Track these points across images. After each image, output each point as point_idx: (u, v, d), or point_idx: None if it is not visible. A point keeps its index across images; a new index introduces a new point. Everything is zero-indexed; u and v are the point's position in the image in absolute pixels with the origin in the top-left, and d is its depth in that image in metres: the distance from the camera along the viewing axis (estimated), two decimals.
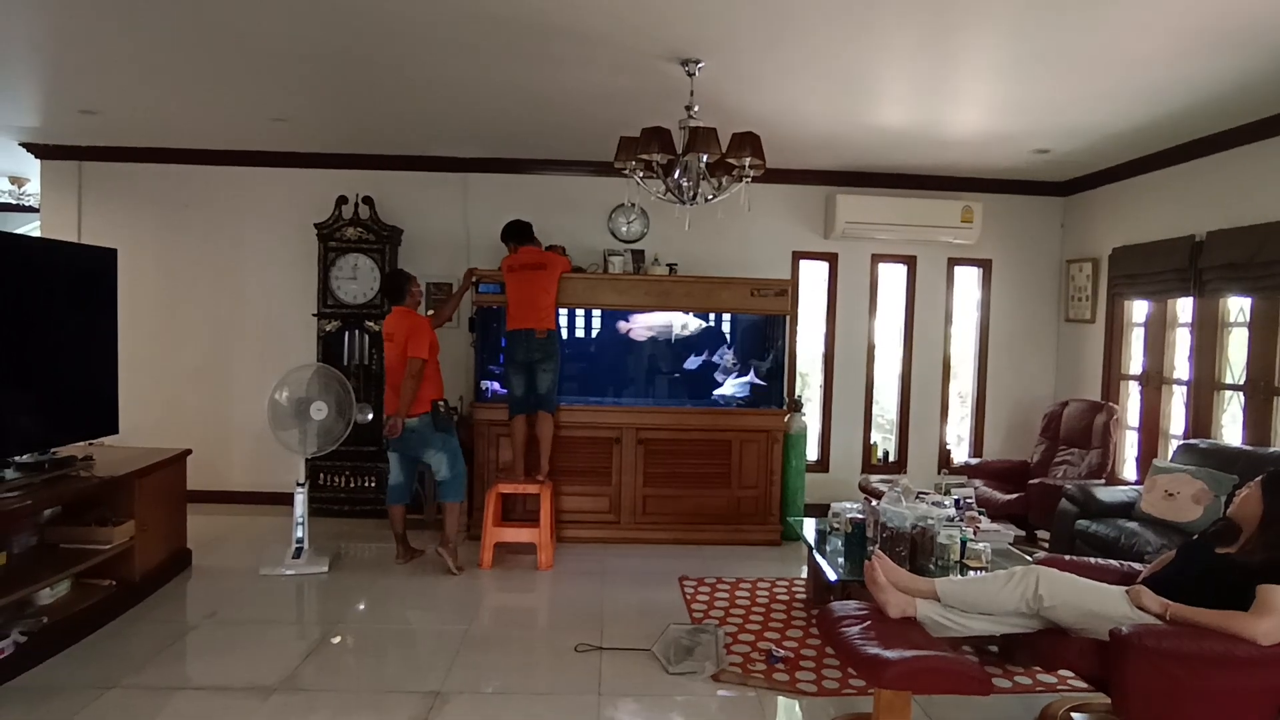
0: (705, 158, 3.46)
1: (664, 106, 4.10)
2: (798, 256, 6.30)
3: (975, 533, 3.90)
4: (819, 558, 3.75)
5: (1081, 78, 3.94)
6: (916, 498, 4.07)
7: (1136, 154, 5.28)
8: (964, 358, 6.57)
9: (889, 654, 2.52)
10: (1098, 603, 2.67)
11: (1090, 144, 5.13)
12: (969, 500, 4.28)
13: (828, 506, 6.13)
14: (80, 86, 4.54)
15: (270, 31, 3.59)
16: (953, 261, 6.39)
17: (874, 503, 4.01)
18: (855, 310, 6.34)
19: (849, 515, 3.97)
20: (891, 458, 6.48)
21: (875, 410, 6.51)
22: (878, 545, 3.79)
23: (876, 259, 6.34)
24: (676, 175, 3.71)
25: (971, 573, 3.55)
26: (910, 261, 6.36)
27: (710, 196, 3.71)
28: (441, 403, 4.72)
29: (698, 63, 3.71)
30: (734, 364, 5.86)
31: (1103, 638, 2.63)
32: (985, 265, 6.40)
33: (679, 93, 3.98)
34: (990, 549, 3.70)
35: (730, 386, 5.79)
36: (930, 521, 3.74)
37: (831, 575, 3.57)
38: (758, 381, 5.71)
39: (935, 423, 6.45)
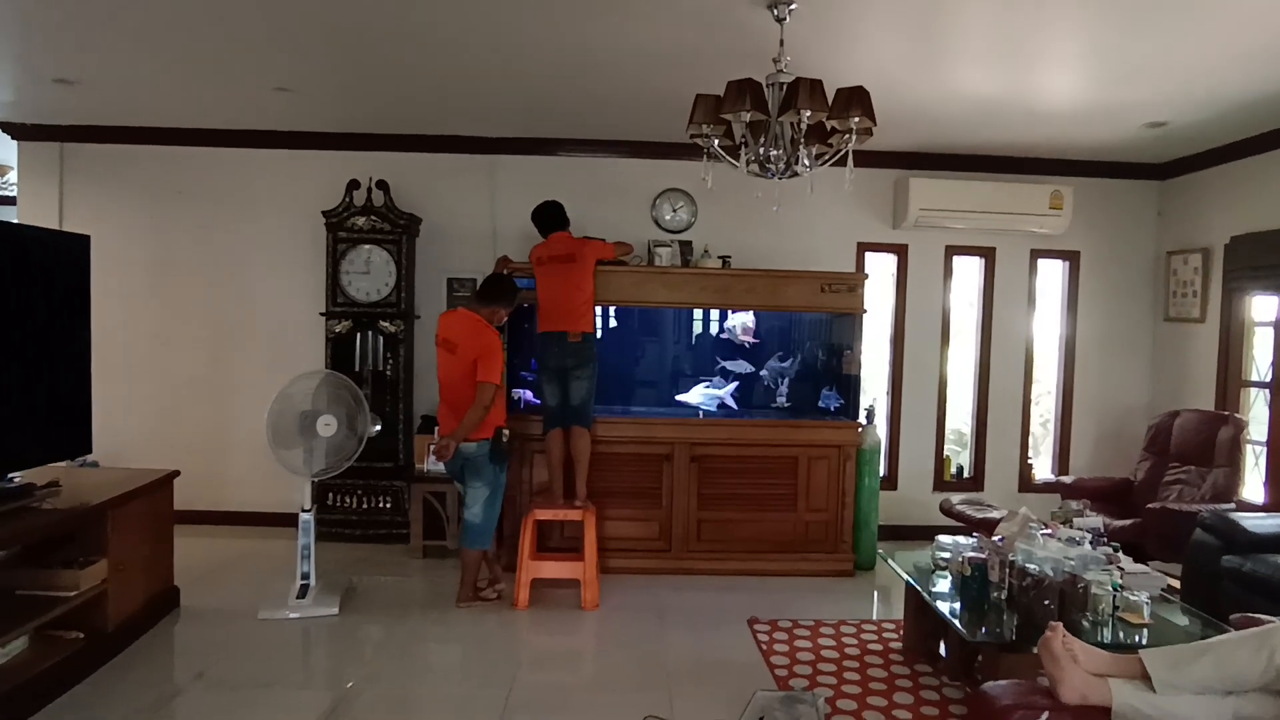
0: (807, 116, 2.78)
1: (733, 70, 3.39)
2: (863, 248, 5.62)
3: (1120, 577, 3.22)
4: (943, 613, 3.06)
5: (1214, 35, 3.31)
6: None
7: (1267, 127, 4.58)
8: (1047, 362, 5.87)
9: None
10: None
11: (1215, 115, 4.44)
12: (1100, 534, 3.59)
13: (901, 530, 5.58)
14: (52, 49, 3.90)
15: None
16: (1035, 254, 5.70)
17: (998, 538, 3.33)
18: (927, 308, 5.66)
19: (967, 554, 3.28)
20: (966, 473, 5.80)
21: (946, 420, 5.82)
22: (1004, 593, 3.12)
23: (951, 251, 5.66)
24: (762, 142, 3.03)
25: (1135, 634, 2.88)
26: (988, 254, 5.67)
27: (807, 166, 3.03)
28: (505, 431, 4.07)
29: (789, 4, 3.03)
30: (790, 369, 5.22)
31: None
32: (1072, 258, 5.71)
33: (753, 52, 3.33)
34: (1148, 599, 3.03)
35: (698, 394, 5.16)
36: (1072, 563, 3.07)
37: (966, 635, 2.87)
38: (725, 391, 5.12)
39: (1015, 434, 5.76)
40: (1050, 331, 5.82)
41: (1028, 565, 3.02)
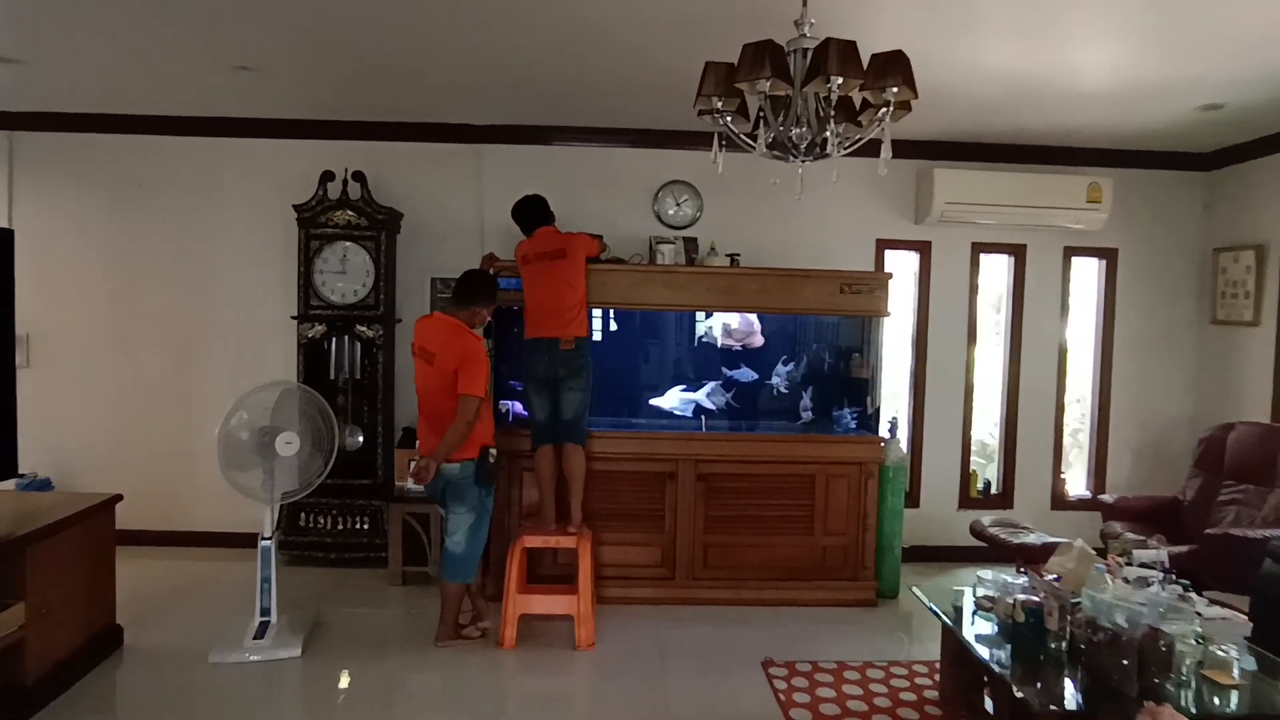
0: (837, 84, 2.33)
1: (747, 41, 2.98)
2: (882, 246, 5.17)
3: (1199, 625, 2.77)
4: (996, 670, 2.61)
5: None
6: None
7: None
8: (1081, 368, 5.42)
9: None
10: None
11: (1278, 96, 4.00)
12: (1167, 569, 3.14)
13: (924, 551, 5.14)
14: None
15: None
16: (1069, 251, 5.25)
17: (1052, 577, 2.89)
18: (952, 310, 5.20)
19: (1018, 596, 2.83)
20: (994, 489, 5.35)
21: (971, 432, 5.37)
22: (1064, 643, 2.68)
23: (977, 248, 5.21)
24: (781, 120, 2.59)
25: (1225, 698, 2.43)
26: (1018, 252, 5.22)
27: (836, 145, 2.59)
28: (492, 450, 3.62)
29: None
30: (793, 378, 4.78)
31: None
32: (1110, 256, 5.26)
33: (768, 20, 2.88)
34: (1237, 655, 2.58)
35: (674, 397, 4.69)
36: (1144, 610, 2.62)
37: (1030, 703, 2.42)
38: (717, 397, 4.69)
39: (1047, 447, 5.31)
40: (1085, 336, 5.37)
41: (1099, 617, 2.58)
